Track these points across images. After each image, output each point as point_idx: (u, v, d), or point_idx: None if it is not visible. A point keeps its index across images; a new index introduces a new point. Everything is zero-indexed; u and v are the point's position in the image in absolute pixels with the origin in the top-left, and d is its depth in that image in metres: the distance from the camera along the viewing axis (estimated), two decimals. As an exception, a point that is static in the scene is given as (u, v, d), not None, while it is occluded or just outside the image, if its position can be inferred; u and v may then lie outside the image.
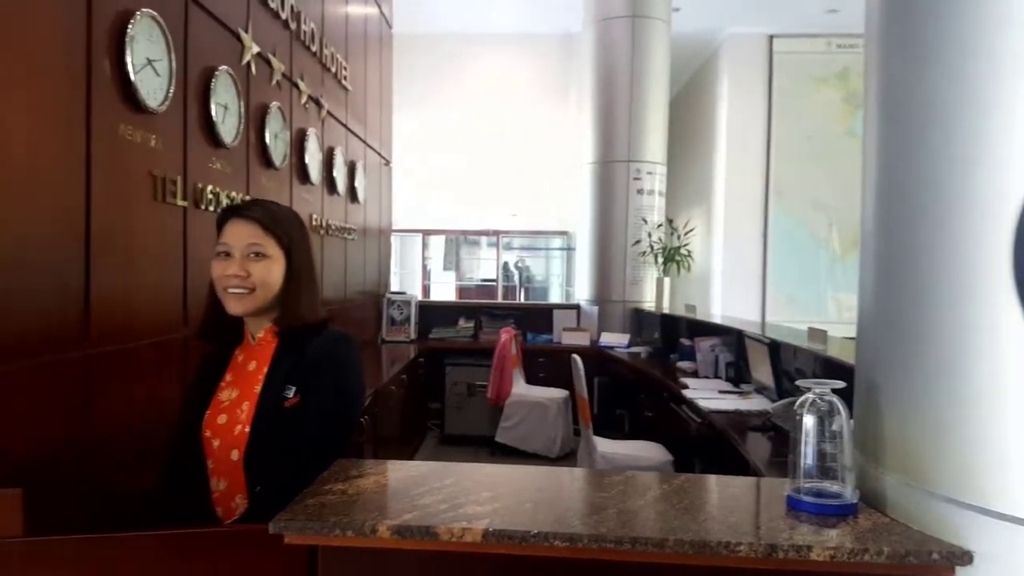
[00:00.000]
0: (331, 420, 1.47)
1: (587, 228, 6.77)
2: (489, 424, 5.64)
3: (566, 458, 5.41)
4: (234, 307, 1.47)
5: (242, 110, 2.93)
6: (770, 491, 1.39)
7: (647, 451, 3.89)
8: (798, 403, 1.35)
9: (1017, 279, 1.04)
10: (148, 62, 2.23)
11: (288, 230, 1.52)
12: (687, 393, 3.81)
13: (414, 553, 0.98)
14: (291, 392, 1.44)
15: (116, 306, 2.09)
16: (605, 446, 3.87)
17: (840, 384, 1.33)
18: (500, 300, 9.12)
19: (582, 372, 3.93)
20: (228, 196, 2.83)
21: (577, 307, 6.70)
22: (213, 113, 2.68)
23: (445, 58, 8.52)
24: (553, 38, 8.43)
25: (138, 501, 1.57)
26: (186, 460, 1.49)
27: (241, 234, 1.47)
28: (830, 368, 3.08)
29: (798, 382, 1.38)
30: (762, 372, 3.79)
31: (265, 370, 1.50)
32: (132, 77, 2.13)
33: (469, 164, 8.68)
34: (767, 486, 1.45)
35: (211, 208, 2.68)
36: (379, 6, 5.77)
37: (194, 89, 2.57)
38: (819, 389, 1.33)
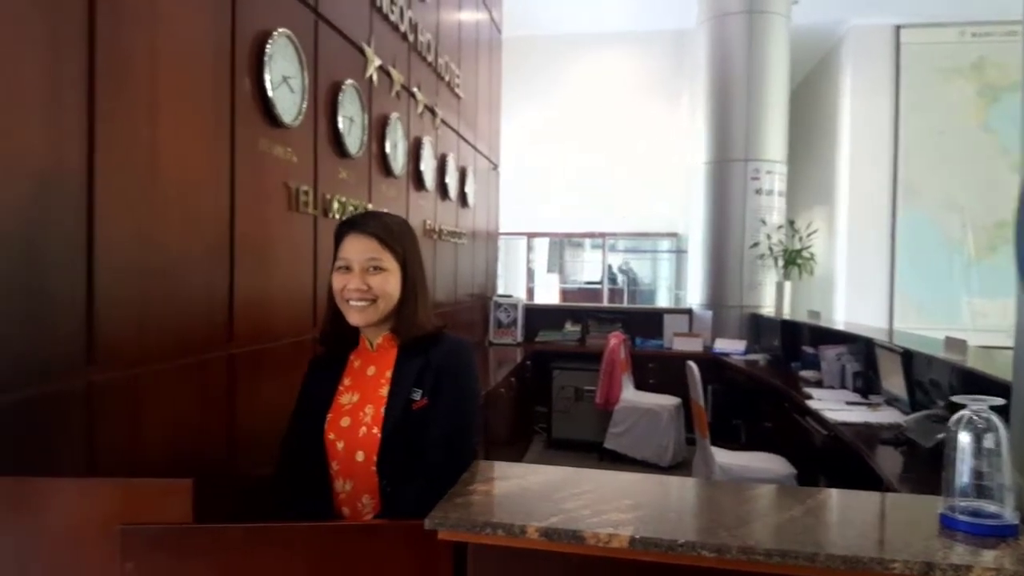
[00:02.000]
0: (459, 419, 1.51)
1: (700, 230, 6.60)
2: (597, 429, 5.60)
3: (678, 467, 5.29)
4: (356, 319, 1.53)
5: (365, 122, 3.05)
6: (919, 509, 1.31)
7: (768, 463, 3.74)
8: (952, 420, 1.27)
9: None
10: (284, 79, 2.36)
11: (403, 242, 1.57)
12: (812, 404, 3.64)
13: (560, 556, 0.99)
14: (418, 395, 1.50)
15: (255, 309, 2.22)
16: (723, 457, 3.76)
17: (999, 401, 1.24)
18: (606, 303, 9.04)
19: (698, 379, 3.84)
20: (353, 205, 2.95)
21: (689, 312, 6.55)
22: (340, 126, 2.81)
23: (553, 60, 8.55)
24: (664, 36, 8.29)
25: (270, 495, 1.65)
26: (305, 462, 1.54)
27: (360, 248, 1.52)
28: (970, 380, 2.87)
29: (954, 398, 1.30)
30: (893, 383, 3.57)
31: (387, 374, 1.55)
32: (270, 94, 2.26)
33: (575, 166, 8.67)
34: (915, 504, 1.37)
35: (338, 216, 2.80)
36: (489, 12, 5.86)
37: (323, 103, 2.70)
38: (975, 406, 1.24)
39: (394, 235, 1.55)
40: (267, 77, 2.25)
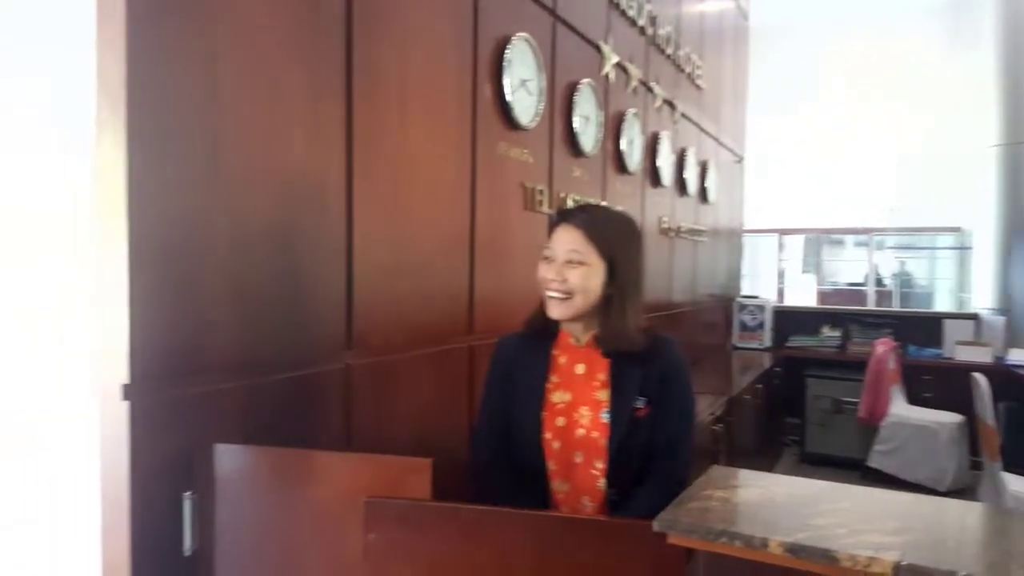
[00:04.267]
0: (684, 423, 1.51)
1: (991, 223, 5.67)
2: (859, 446, 5.04)
3: (959, 494, 4.56)
4: (551, 311, 1.48)
5: (601, 119, 3.04)
6: None
7: (1083, 497, 3.08)
8: None
9: None
10: (522, 83, 2.43)
11: (612, 238, 1.48)
12: None
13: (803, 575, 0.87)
14: (641, 403, 1.47)
15: (491, 304, 2.31)
16: (1018, 485, 3.17)
17: None
18: (872, 306, 8.13)
19: (987, 394, 3.28)
20: (587, 202, 2.95)
21: (975, 317, 5.64)
22: (575, 125, 2.83)
23: (806, 42, 7.87)
24: (941, 5, 7.26)
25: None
26: (519, 458, 1.53)
27: (564, 240, 1.47)
28: None
29: None
30: None
31: (600, 377, 1.50)
32: (508, 98, 2.34)
33: (835, 155, 7.90)
34: None
35: (573, 214, 2.82)
36: None
37: (559, 104, 2.74)
38: None
39: (601, 229, 1.47)
40: (506, 81, 2.33)
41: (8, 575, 1.42)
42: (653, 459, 1.46)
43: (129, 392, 1.19)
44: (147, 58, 1.21)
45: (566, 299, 1.46)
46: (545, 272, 1.48)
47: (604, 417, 1.47)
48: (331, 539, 1.25)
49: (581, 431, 1.48)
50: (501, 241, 2.37)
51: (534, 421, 1.51)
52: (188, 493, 1.27)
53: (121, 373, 1.18)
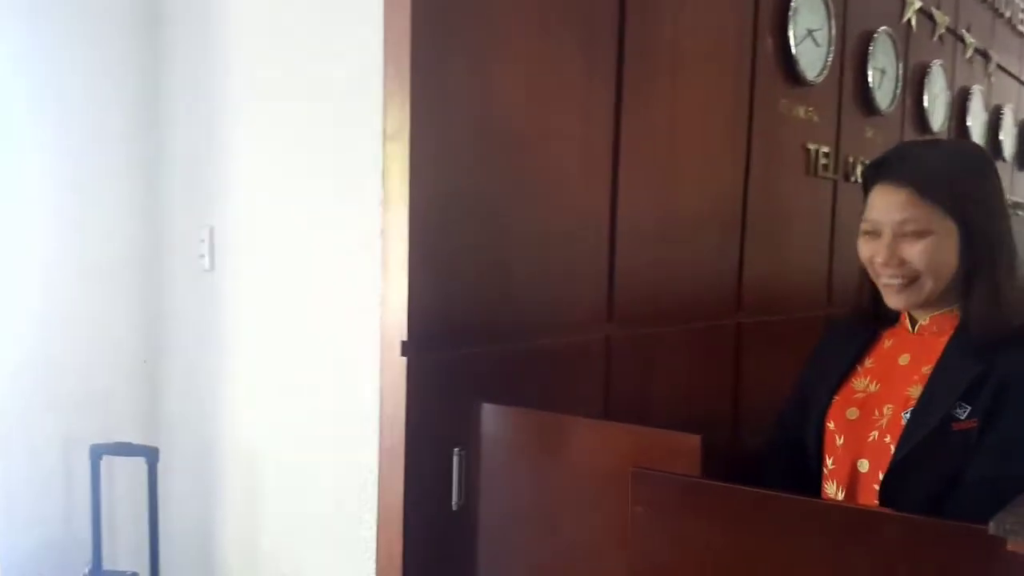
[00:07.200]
0: (1015, 465, 1.04)
1: None
2: None
3: None
4: (892, 301, 1.16)
5: (899, 72, 2.68)
6: None
7: None
8: None
9: None
10: (808, 33, 2.20)
11: (959, 188, 1.13)
12: None
13: None
14: (964, 413, 1.09)
15: (764, 279, 2.14)
16: None
17: None
18: None
19: None
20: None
21: None
22: (870, 79, 2.52)
23: None
24: None
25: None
26: (799, 445, 1.27)
27: (887, 206, 1.13)
28: None
29: None
30: None
31: (924, 370, 1.15)
32: (793, 51, 2.13)
33: None
34: None
35: (860, 181, 2.52)
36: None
37: (851, 56, 2.46)
38: None
39: (939, 181, 1.12)
40: (791, 32, 2.12)
41: (300, 512, 1.60)
42: (949, 497, 1.07)
43: (407, 349, 1.24)
44: (428, 31, 1.24)
45: (908, 285, 1.13)
46: (870, 251, 1.16)
47: (905, 417, 1.13)
48: (590, 507, 1.22)
49: (874, 433, 1.16)
50: (778, 209, 2.17)
51: (823, 402, 1.24)
52: (457, 449, 1.30)
53: (401, 331, 1.24)
